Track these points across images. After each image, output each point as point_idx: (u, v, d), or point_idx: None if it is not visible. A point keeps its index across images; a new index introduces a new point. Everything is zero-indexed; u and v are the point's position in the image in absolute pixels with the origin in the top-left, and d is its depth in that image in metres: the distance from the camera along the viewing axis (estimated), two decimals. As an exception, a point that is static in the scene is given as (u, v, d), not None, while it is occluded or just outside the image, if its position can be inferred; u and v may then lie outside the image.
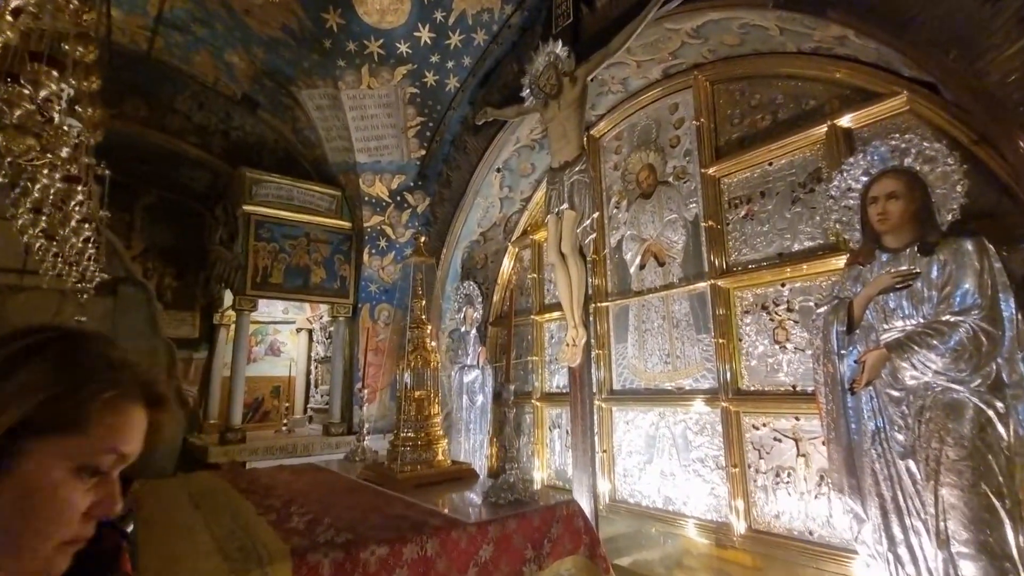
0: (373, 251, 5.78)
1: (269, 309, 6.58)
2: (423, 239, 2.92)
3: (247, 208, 5.20)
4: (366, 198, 5.67)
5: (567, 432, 4.89)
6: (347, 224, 5.80)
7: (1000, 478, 1.99)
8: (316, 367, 6.85)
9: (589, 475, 3.78)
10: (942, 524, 2.10)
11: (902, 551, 2.24)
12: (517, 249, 5.88)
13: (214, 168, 6.10)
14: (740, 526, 3.49)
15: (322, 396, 6.46)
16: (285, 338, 7.15)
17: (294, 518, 1.78)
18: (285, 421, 5.91)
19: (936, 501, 2.12)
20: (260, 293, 5.18)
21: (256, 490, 2.25)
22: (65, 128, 2.14)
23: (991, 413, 2.04)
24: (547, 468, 5.09)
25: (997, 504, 1.98)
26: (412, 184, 5.77)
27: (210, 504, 2.04)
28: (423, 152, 5.60)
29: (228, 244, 5.45)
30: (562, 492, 4.51)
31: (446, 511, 1.96)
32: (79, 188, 2.45)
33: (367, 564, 1.50)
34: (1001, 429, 2.02)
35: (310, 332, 7.10)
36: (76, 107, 2.48)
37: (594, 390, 4.24)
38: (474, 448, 5.08)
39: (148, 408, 0.76)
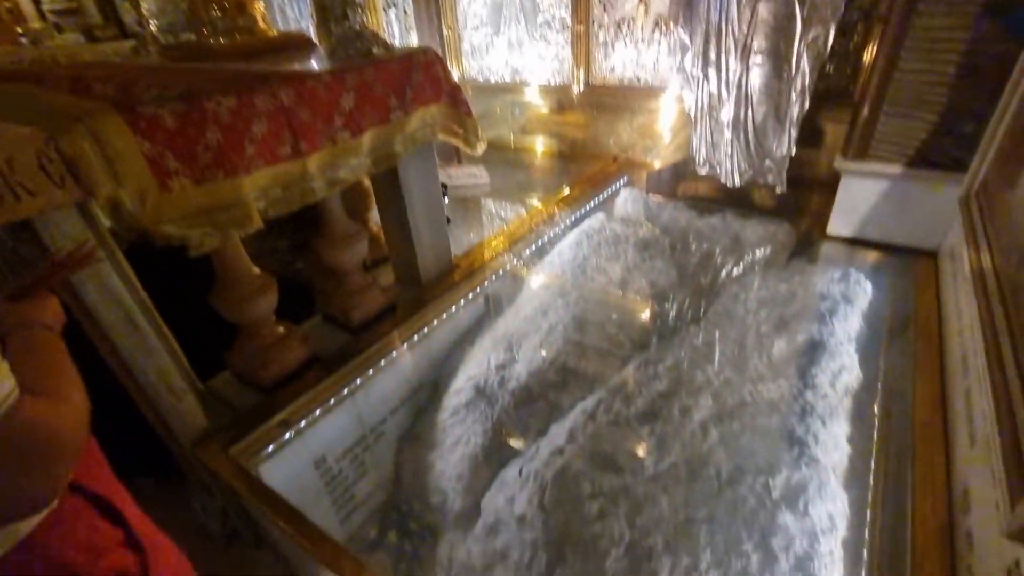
0: None
1: None
2: None
3: None
4: None
5: (406, 12, 4.34)
6: None
7: (809, -9, 2.22)
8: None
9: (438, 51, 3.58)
10: (750, 39, 2.42)
11: (711, 71, 2.63)
12: None
13: None
14: (578, 88, 3.81)
15: (59, -7, 4.69)
16: None
17: (95, 86, 1.45)
18: (21, 32, 4.36)
19: (752, 17, 2.37)
20: None
21: (24, 77, 1.75)
22: None
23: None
24: (389, 58, 4.72)
25: (797, 11, 2.26)
26: None
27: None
28: None
29: None
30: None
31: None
32: None
33: (218, 115, 1.35)
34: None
35: None
36: None
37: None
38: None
39: None
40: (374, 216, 2.57)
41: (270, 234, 2.84)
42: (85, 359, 0.74)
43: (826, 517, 1.52)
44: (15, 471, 0.58)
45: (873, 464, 1.66)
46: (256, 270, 1.73)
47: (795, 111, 2.49)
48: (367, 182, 2.45)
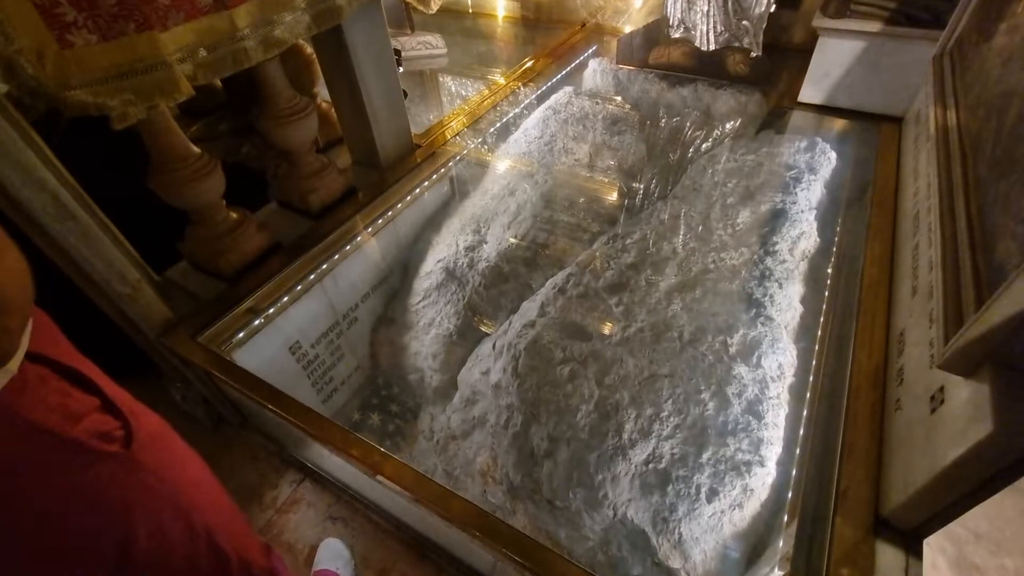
0: None
1: None
2: None
3: None
4: None
5: None
6: None
7: None
8: None
9: None
10: None
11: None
12: None
13: None
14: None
15: None
16: None
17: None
18: None
19: None
20: None
21: None
22: None
23: None
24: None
25: None
26: None
27: None
28: None
29: None
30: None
31: None
32: None
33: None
34: None
35: None
36: None
37: None
38: None
39: None
40: (323, 93, 2.34)
41: (209, 119, 2.59)
42: (34, 264, 0.67)
43: (776, 367, 1.65)
44: None
45: (822, 319, 1.78)
46: (196, 149, 1.58)
47: (777, -40, 2.28)
48: (309, 49, 2.20)
